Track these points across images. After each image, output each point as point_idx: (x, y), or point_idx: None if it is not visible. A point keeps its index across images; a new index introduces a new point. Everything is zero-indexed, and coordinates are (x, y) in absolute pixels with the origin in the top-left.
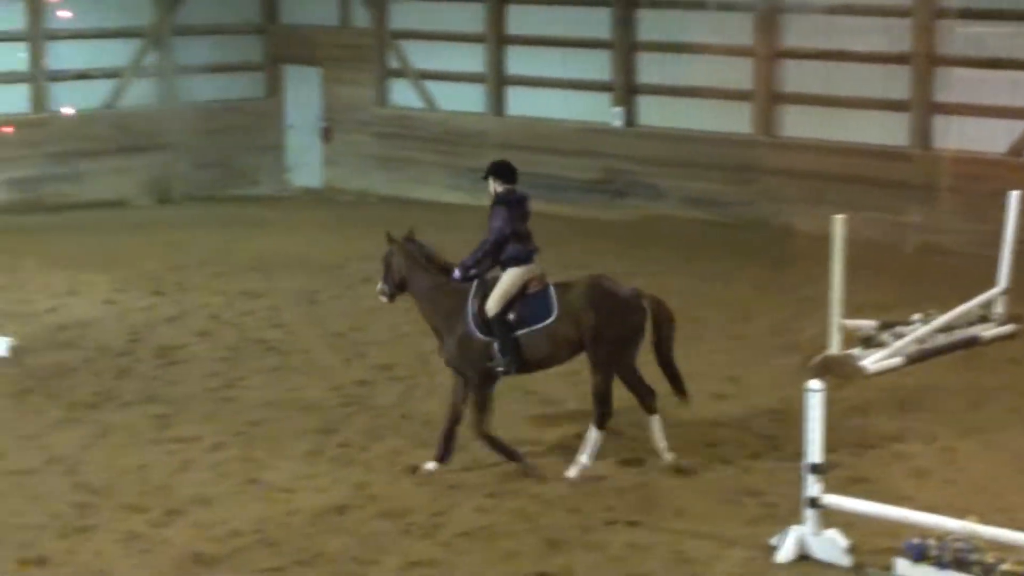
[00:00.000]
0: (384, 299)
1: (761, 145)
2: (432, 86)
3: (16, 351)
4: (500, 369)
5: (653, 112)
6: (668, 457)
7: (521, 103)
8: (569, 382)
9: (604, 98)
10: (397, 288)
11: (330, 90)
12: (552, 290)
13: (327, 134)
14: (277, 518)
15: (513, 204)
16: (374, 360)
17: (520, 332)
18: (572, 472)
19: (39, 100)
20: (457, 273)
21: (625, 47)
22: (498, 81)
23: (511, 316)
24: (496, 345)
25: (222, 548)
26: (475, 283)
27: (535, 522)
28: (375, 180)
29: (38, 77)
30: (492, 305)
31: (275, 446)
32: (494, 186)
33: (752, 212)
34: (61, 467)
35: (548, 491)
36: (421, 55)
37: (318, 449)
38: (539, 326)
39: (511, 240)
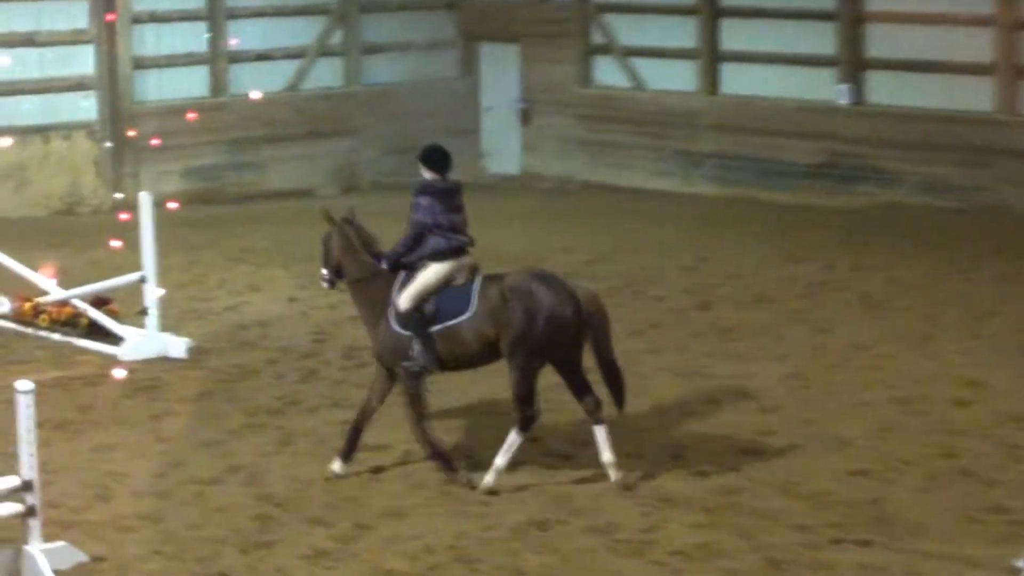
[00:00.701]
0: (325, 285)
1: (1003, 124)
2: (639, 63)
3: (195, 352)
4: (417, 367)
5: (883, 89)
6: (613, 475)
7: (736, 80)
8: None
9: (828, 74)
10: (335, 274)
11: (529, 69)
12: (476, 284)
13: (525, 116)
14: (474, 533)
15: (438, 194)
16: None
17: (435, 328)
18: (489, 478)
19: (218, 83)
20: (384, 263)
21: (851, 18)
22: (711, 57)
23: (428, 310)
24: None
25: (414, 565)
26: (401, 274)
27: (755, 539)
28: (577, 166)
29: (217, 59)
30: (404, 300)
31: (472, 455)
32: (423, 174)
33: (993, 198)
34: (242, 477)
35: (769, 506)
36: (627, 29)
37: (518, 458)
38: (453, 322)
39: (435, 232)
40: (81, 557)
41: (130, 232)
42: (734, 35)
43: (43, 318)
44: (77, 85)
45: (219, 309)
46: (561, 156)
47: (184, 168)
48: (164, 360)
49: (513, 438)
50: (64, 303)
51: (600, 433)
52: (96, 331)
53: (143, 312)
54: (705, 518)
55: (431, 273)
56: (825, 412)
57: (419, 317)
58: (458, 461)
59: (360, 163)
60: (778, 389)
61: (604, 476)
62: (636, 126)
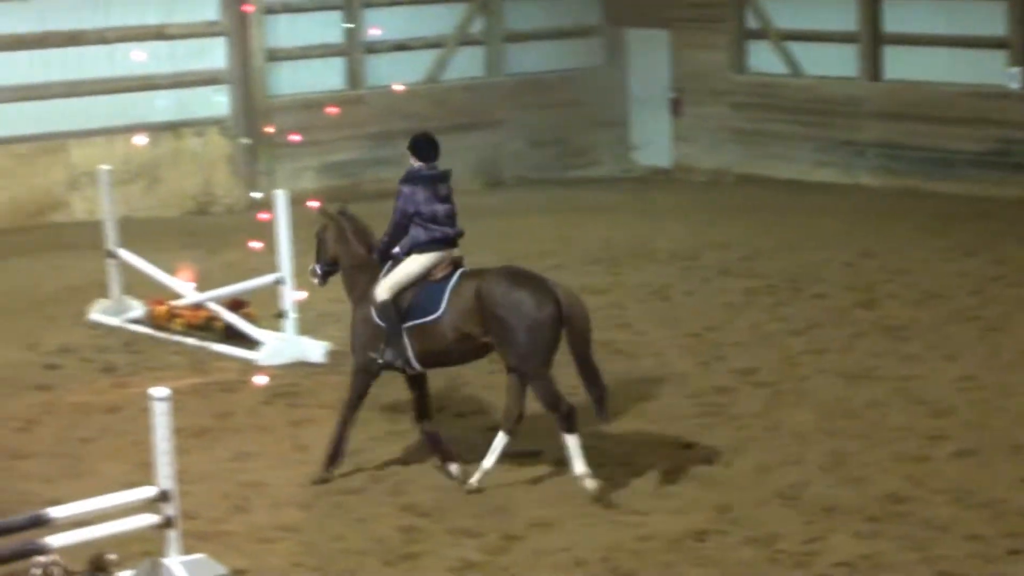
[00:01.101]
0: (315, 281)
1: None
2: (797, 48)
3: (334, 357)
4: (381, 360)
5: None
6: (588, 485)
7: (900, 65)
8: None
9: (998, 56)
10: (330, 266)
11: (680, 56)
12: (451, 282)
13: (677, 106)
14: (628, 544)
15: (421, 182)
16: (735, 364)
17: (407, 324)
18: (475, 479)
19: (355, 75)
20: (375, 254)
21: None
22: (873, 40)
23: (403, 304)
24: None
25: None
26: (388, 264)
27: (926, 551)
28: (731, 157)
29: (354, 50)
30: (380, 291)
31: (625, 462)
32: (411, 162)
33: None
34: (386, 486)
35: (940, 515)
36: (784, 13)
37: (674, 466)
38: (424, 320)
39: (415, 222)
40: (220, 570)
41: (266, 232)
42: (897, 16)
43: (178, 322)
44: (209, 79)
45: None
46: (714, 147)
47: (321, 164)
48: (303, 365)
49: (570, 441)
50: (199, 306)
51: (572, 442)
52: (232, 335)
53: (281, 315)
54: (871, 528)
55: (409, 264)
56: (1000, 416)
57: (394, 310)
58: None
59: (503, 157)
60: (948, 391)
61: (764, 484)
62: (793, 115)
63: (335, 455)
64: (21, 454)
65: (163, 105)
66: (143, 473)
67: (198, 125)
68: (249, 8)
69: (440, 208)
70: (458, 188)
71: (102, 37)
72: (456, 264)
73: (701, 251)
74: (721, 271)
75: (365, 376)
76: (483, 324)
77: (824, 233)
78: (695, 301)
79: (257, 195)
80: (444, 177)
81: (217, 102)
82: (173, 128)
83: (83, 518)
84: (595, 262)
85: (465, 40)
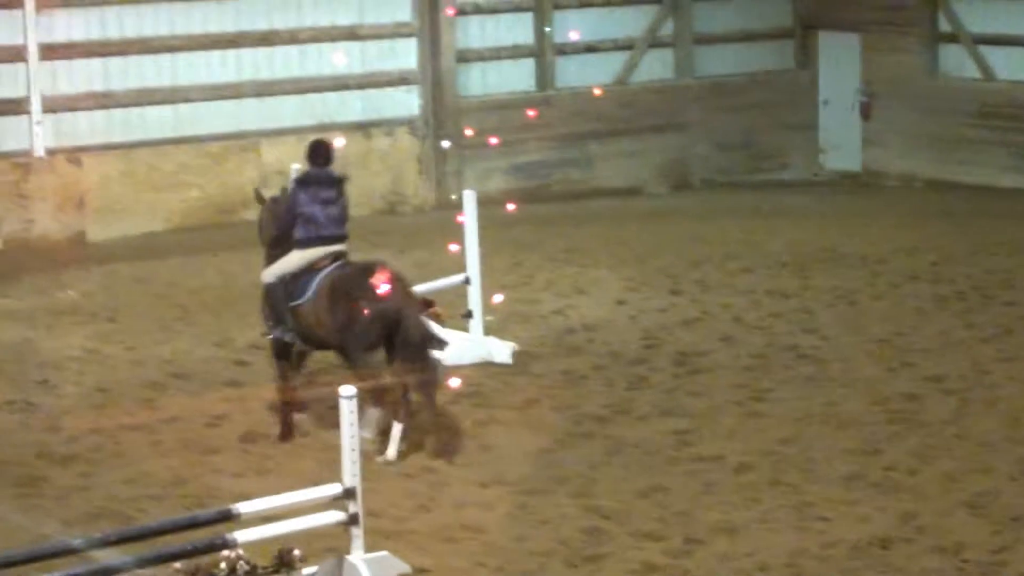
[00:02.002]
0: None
1: None
2: (989, 51)
3: (520, 357)
4: (270, 334)
5: None
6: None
7: None
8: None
9: None
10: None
11: (870, 59)
12: (325, 271)
13: (866, 110)
14: (812, 550)
15: (303, 185)
16: (923, 370)
17: (290, 304)
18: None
19: (544, 76)
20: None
21: None
22: None
23: (290, 288)
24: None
25: None
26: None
27: None
28: (921, 162)
29: (544, 52)
30: (266, 274)
31: (809, 468)
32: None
33: None
34: (569, 488)
35: None
36: (976, 16)
37: (859, 472)
38: (298, 302)
39: (299, 221)
40: (403, 568)
41: (452, 232)
42: None
43: None
44: (400, 80)
45: (545, 312)
46: (904, 152)
47: (509, 165)
48: (488, 365)
49: (396, 428)
50: None
51: (396, 430)
52: None
53: (467, 315)
54: None
55: (291, 257)
56: None
57: (278, 292)
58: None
59: (691, 159)
60: None
61: (951, 493)
62: (985, 119)
63: (285, 433)
64: (211, 449)
65: (353, 105)
66: (329, 470)
67: (388, 125)
68: (451, 11)
69: (319, 209)
70: (644, 191)
71: (294, 37)
72: (337, 257)
73: (890, 256)
74: (910, 276)
75: (275, 346)
76: (330, 311)
77: (1015, 240)
78: (883, 306)
79: (455, 196)
80: (330, 181)
81: (407, 102)
82: (363, 128)
83: (269, 513)
84: (783, 266)
85: (655, 42)
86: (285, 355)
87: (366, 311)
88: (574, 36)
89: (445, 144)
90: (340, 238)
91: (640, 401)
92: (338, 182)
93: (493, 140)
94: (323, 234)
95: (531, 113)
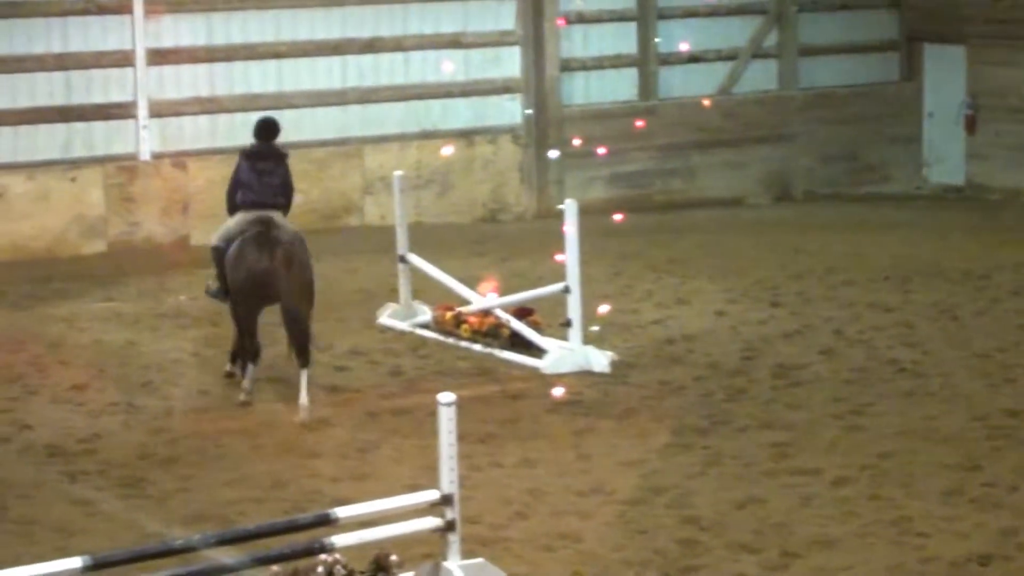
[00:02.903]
0: None
1: None
2: None
3: (619, 367)
4: (211, 292)
5: None
6: (301, 415)
7: None
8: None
9: None
10: None
11: (975, 71)
12: (245, 234)
13: (971, 123)
14: (909, 566)
15: (245, 157)
16: None
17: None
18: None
19: (647, 86)
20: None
21: None
22: None
23: (227, 250)
24: None
25: None
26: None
27: None
28: None
29: (648, 61)
30: (213, 237)
31: (908, 483)
32: None
33: None
34: (667, 498)
35: None
36: None
37: (958, 488)
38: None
39: (239, 188)
40: (499, 575)
41: (553, 241)
42: None
43: (464, 328)
44: (503, 88)
45: (644, 322)
46: (1009, 165)
47: (610, 175)
48: (587, 374)
49: (303, 375)
50: (487, 313)
51: (303, 377)
52: (518, 343)
53: (566, 324)
54: None
55: (229, 221)
56: None
57: (217, 253)
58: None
59: (794, 171)
60: None
61: None
62: None
63: (236, 355)
64: (312, 453)
65: (456, 112)
66: (427, 476)
67: (491, 133)
68: (562, 21)
69: (254, 178)
70: (746, 201)
71: (399, 44)
72: (264, 223)
73: (993, 271)
74: (1013, 292)
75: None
76: (231, 271)
77: None
78: (985, 321)
79: (562, 207)
80: (267, 155)
81: (510, 111)
82: (466, 136)
83: (367, 519)
84: (884, 279)
85: (758, 53)
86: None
87: (244, 273)
88: (684, 47)
89: (554, 154)
90: (273, 206)
91: (738, 413)
92: (279, 156)
93: (601, 150)
94: (256, 200)
95: (639, 123)
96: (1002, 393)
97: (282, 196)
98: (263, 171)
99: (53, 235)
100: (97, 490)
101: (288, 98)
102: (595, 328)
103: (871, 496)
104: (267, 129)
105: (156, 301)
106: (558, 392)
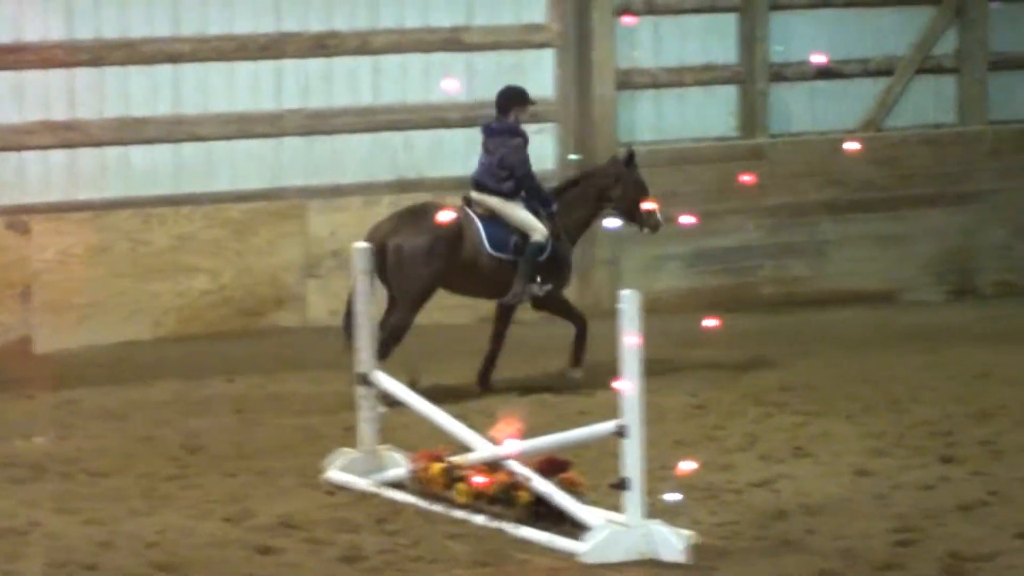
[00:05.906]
0: None
1: None
2: None
3: (704, 554)
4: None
5: None
6: None
7: None
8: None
9: None
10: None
11: None
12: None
13: None
14: None
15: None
16: None
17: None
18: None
19: (752, 115)
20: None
21: None
22: None
23: None
24: None
25: None
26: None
27: None
28: None
29: (753, 75)
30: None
31: None
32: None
33: None
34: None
35: None
36: None
37: None
38: None
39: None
40: None
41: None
42: None
43: (461, 489)
44: (528, 115)
45: (743, 484)
46: None
47: (694, 252)
48: (652, 565)
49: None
50: (496, 466)
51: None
52: (544, 514)
53: (620, 486)
54: None
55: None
56: None
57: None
58: None
59: (981, 250)
60: None
61: None
62: None
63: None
64: None
65: (454, 151)
66: None
67: None
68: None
69: (481, 157)
70: (906, 296)
71: (365, 44)
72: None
73: None
74: None
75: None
76: None
77: None
78: None
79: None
80: (496, 132)
81: (539, 149)
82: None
83: None
84: None
85: (927, 65)
86: None
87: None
88: (813, 57)
89: (612, 225)
90: (484, 187)
91: (803, 436)
92: (510, 131)
93: (687, 219)
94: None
95: (746, 178)
96: None
97: (491, 177)
98: (489, 150)
99: None
100: None
101: (190, 125)
102: (669, 496)
103: None
104: (500, 100)
105: None
106: None
